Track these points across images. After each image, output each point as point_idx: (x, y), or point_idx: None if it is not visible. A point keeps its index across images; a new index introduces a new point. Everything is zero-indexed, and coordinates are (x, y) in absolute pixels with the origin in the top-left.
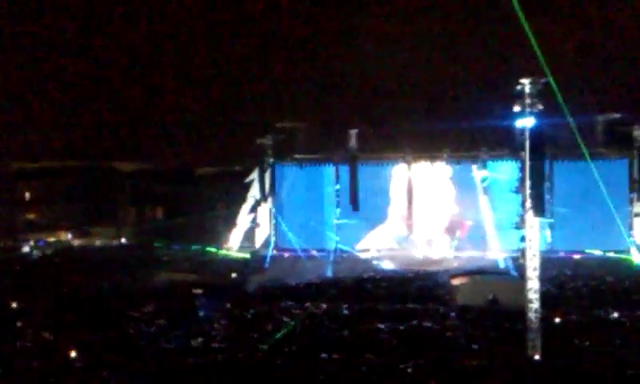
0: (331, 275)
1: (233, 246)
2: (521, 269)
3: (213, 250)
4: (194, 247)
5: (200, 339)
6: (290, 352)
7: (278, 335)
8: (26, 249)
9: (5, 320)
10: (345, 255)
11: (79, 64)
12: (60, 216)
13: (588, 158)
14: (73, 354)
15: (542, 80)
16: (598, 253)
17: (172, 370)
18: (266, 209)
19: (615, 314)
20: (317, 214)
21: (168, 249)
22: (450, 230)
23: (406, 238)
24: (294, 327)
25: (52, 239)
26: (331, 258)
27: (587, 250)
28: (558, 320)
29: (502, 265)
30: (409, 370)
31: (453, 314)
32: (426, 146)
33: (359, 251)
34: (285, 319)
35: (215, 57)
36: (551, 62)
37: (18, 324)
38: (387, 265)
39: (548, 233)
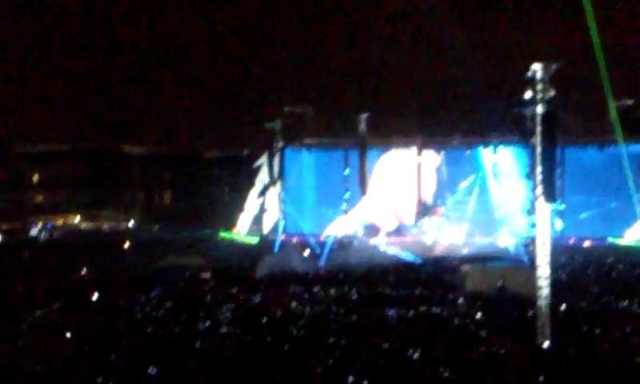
0: (339, 261)
1: (241, 230)
2: (531, 255)
3: (221, 234)
4: (202, 231)
5: (207, 324)
6: (297, 337)
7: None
8: (33, 232)
9: (12, 302)
10: (353, 241)
11: (88, 46)
12: (68, 199)
13: (600, 143)
14: (79, 336)
15: (554, 65)
16: (609, 240)
17: (179, 355)
18: (274, 193)
19: (626, 302)
20: (325, 198)
21: (176, 233)
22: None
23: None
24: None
25: (60, 222)
26: (339, 243)
27: (598, 237)
28: (567, 308)
29: (512, 251)
30: (417, 357)
31: (462, 300)
32: (437, 130)
33: (367, 236)
34: (293, 304)
35: (224, 41)
36: (563, 46)
37: (25, 306)
38: (396, 250)
39: (558, 221)
